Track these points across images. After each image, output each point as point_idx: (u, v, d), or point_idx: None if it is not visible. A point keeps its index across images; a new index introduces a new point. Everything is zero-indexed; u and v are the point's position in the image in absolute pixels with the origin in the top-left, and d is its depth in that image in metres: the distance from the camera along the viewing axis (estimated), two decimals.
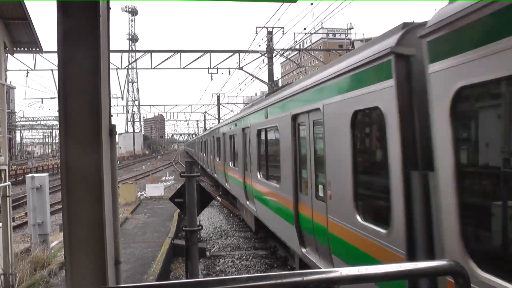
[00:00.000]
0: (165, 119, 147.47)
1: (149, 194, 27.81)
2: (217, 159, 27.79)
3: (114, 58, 40.98)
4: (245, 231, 18.98)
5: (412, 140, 5.04)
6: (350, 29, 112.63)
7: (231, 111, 64.44)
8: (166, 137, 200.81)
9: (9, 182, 11.04)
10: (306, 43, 73.34)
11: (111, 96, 3.22)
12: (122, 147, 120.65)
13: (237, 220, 21.87)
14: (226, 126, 23.24)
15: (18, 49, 12.25)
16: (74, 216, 2.71)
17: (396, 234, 5.20)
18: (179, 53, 31.01)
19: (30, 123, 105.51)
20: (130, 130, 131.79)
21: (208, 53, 31.39)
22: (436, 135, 4.55)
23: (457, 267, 1.85)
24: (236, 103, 69.19)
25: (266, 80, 34.02)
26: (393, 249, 5.30)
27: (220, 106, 68.33)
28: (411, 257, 4.91)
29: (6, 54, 12.38)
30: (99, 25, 2.72)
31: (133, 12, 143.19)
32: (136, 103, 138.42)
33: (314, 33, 41.44)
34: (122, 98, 54.10)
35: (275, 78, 35.75)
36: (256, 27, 32.20)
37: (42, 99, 57.31)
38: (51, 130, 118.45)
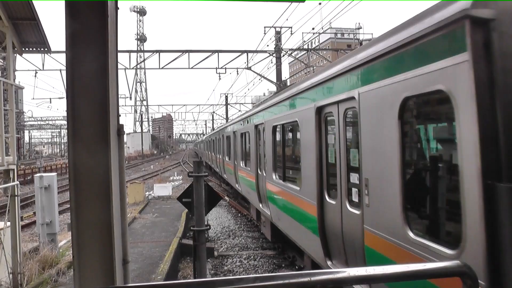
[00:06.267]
0: (173, 119, 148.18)
1: (157, 194, 27.80)
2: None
3: (122, 58, 41.01)
4: (253, 231, 18.97)
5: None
6: (359, 29, 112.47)
7: (239, 111, 64.39)
8: (174, 137, 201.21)
9: (18, 182, 11.09)
10: (314, 43, 73.34)
11: (119, 96, 3.22)
12: (130, 146, 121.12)
13: (245, 220, 21.85)
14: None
15: (27, 49, 12.27)
16: (82, 216, 2.71)
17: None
18: (187, 53, 31.08)
19: (39, 123, 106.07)
20: (138, 130, 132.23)
21: (216, 53, 31.41)
22: None
23: (465, 268, 1.84)
24: (244, 103, 69.14)
25: (274, 80, 34.01)
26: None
27: (228, 106, 68.36)
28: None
29: (15, 54, 12.40)
30: (107, 25, 2.71)
31: (142, 12, 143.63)
32: (144, 103, 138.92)
33: (322, 33, 41.38)
34: (130, 98, 54.30)
35: (283, 78, 35.73)
36: (264, 27, 32.24)
37: (50, 99, 57.83)
38: (59, 130, 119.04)
